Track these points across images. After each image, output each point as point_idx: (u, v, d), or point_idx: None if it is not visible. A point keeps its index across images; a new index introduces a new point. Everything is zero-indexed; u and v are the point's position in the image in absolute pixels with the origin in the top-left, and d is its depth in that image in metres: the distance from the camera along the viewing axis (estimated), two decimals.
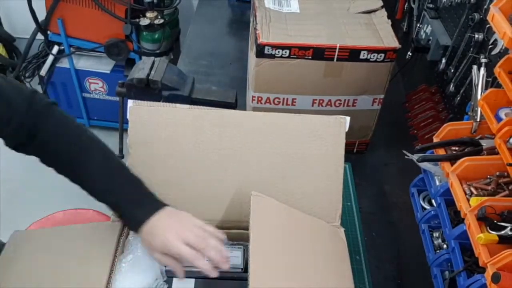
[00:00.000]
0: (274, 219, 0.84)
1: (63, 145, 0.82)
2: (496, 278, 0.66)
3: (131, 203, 0.81)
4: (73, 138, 0.83)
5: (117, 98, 1.22)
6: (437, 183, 0.92)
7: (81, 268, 0.84)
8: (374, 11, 1.20)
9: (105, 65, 2.40)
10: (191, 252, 0.78)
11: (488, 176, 0.82)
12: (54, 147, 0.82)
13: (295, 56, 1.09)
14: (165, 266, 0.84)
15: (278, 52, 1.08)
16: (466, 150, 0.87)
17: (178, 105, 0.94)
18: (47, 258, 0.82)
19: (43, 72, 2.37)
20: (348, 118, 0.91)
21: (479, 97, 0.89)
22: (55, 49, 2.34)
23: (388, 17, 1.19)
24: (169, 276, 0.83)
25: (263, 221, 0.80)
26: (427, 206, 0.97)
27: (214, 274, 0.78)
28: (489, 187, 0.81)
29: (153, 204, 0.82)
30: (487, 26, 1.05)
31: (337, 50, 1.08)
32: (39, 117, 0.79)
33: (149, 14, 2.14)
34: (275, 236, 0.80)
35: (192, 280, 0.83)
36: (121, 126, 1.25)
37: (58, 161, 0.83)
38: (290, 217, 0.86)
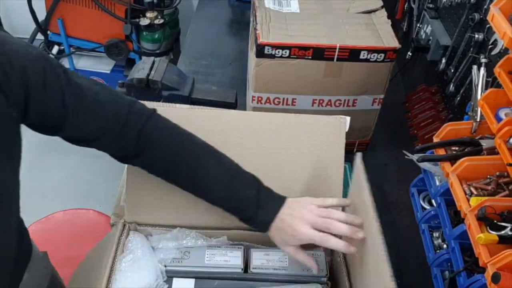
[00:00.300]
0: None
1: (174, 156, 0.79)
2: (496, 278, 0.66)
3: (256, 206, 0.78)
4: (184, 147, 0.79)
5: None
6: (437, 183, 0.92)
7: (81, 268, 0.84)
8: (374, 11, 1.20)
9: (105, 65, 2.40)
10: (320, 235, 0.75)
11: (488, 176, 0.82)
12: (165, 159, 0.79)
13: (295, 56, 1.09)
14: (165, 266, 0.84)
15: (278, 52, 1.08)
16: (466, 150, 0.88)
17: (178, 105, 0.94)
18: None
19: None
20: (348, 118, 0.91)
21: (479, 97, 0.89)
22: (55, 49, 2.35)
23: (388, 17, 1.19)
24: (169, 276, 0.83)
25: None
26: (427, 206, 0.97)
27: (352, 249, 0.75)
28: (489, 187, 0.81)
29: (274, 202, 0.80)
30: (487, 26, 1.05)
31: (337, 50, 1.08)
32: (143, 130, 0.76)
33: (149, 14, 2.14)
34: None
35: (192, 280, 0.83)
36: None
37: (169, 172, 0.81)
38: None
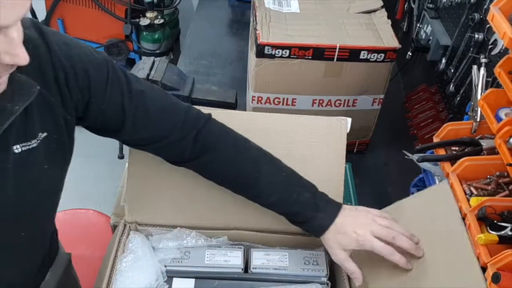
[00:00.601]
0: None
1: (229, 160, 0.79)
2: (496, 278, 0.66)
3: (312, 209, 0.78)
4: (238, 152, 0.80)
5: None
6: (437, 183, 0.92)
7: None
8: (374, 11, 1.21)
9: None
10: (384, 246, 0.75)
11: (488, 176, 0.82)
12: (219, 163, 0.79)
13: (295, 56, 1.09)
14: (165, 266, 0.84)
15: (278, 52, 1.08)
16: (466, 150, 0.87)
17: None
18: None
19: None
20: (349, 120, 0.91)
21: (479, 97, 0.88)
22: None
23: (388, 17, 1.19)
24: (169, 276, 0.83)
25: None
26: None
27: (409, 266, 0.75)
28: (489, 187, 0.80)
29: (332, 206, 0.80)
30: (487, 26, 1.05)
31: (337, 50, 1.08)
32: (198, 135, 0.78)
33: (149, 14, 2.14)
34: None
35: (192, 280, 0.83)
36: None
37: (222, 176, 0.81)
38: None
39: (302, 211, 0.79)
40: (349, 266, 0.78)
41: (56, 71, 0.63)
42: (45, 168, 0.66)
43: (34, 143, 0.63)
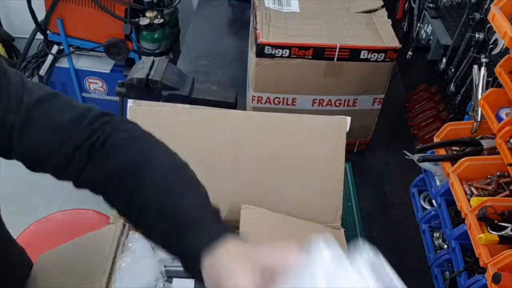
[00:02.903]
0: (265, 229, 0.81)
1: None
2: (496, 278, 0.66)
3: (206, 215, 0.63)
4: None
5: (116, 98, 1.21)
6: (438, 183, 0.92)
7: (81, 268, 0.84)
8: (375, 10, 1.20)
9: (105, 65, 2.39)
10: None
11: (489, 176, 0.82)
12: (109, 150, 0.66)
13: (295, 56, 1.08)
14: (165, 266, 0.84)
15: (278, 51, 1.08)
16: (466, 150, 0.87)
17: (178, 105, 0.94)
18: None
19: (42, 72, 2.37)
20: (348, 119, 0.91)
21: (479, 97, 0.88)
22: (55, 48, 2.34)
23: (389, 16, 1.18)
24: (169, 276, 0.83)
25: (253, 232, 0.76)
26: (427, 206, 0.97)
27: None
28: (490, 187, 0.80)
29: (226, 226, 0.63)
30: (488, 25, 1.05)
31: (337, 50, 1.07)
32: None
33: (148, 14, 2.13)
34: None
35: (192, 281, 0.83)
36: None
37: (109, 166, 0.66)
38: (284, 226, 0.85)
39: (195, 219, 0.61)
40: None
41: None
42: None
43: None
